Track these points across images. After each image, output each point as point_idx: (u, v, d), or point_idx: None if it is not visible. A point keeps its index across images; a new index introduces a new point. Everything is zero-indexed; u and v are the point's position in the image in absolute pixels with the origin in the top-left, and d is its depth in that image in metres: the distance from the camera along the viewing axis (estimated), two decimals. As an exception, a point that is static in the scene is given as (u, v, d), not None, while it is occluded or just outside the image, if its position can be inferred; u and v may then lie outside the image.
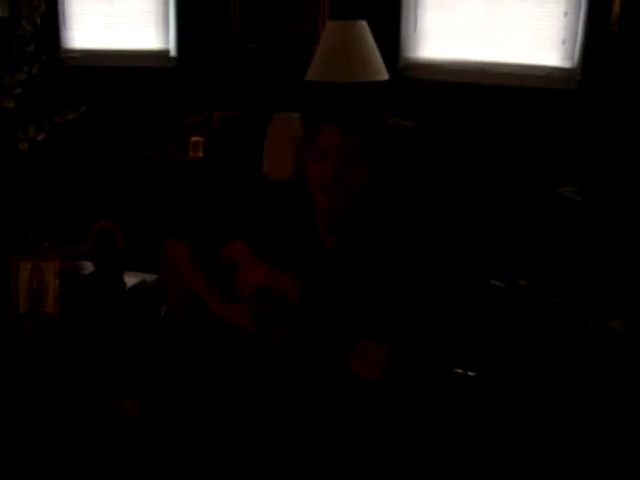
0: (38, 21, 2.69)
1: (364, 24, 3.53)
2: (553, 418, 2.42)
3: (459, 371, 1.73)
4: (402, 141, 2.42)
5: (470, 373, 1.75)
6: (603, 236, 3.17)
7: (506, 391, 2.45)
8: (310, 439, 1.73)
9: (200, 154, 4.14)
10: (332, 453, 1.72)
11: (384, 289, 1.80)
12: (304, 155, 1.84)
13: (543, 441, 2.33)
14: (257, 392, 1.78)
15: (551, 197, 3.42)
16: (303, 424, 1.75)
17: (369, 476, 1.72)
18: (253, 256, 1.81)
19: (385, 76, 3.56)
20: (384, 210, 1.95)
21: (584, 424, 2.39)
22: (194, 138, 4.17)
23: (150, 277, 2.72)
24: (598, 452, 2.30)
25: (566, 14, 3.59)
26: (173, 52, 4.49)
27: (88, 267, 2.74)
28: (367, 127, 1.78)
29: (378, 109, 1.87)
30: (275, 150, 3.43)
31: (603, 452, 2.30)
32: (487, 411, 2.31)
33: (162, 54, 4.52)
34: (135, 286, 2.69)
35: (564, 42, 3.64)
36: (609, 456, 2.29)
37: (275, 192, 2.00)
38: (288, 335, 1.73)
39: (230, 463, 1.73)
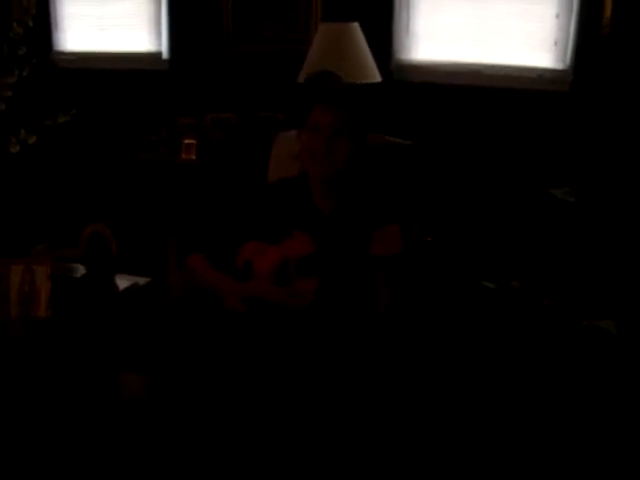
0: (30, 23, 2.69)
1: (356, 26, 3.53)
2: (546, 419, 2.42)
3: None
4: (398, 159, 2.57)
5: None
6: (596, 237, 3.18)
7: (499, 392, 2.46)
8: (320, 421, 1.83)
9: (193, 156, 4.13)
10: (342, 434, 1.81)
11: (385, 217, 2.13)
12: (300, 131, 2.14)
13: (537, 442, 2.33)
14: (265, 371, 1.93)
15: (543, 198, 3.42)
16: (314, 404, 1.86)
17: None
18: (265, 246, 2.07)
19: (377, 78, 3.56)
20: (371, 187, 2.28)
21: (577, 425, 2.40)
22: (187, 140, 4.16)
23: (142, 280, 2.72)
24: (592, 453, 2.30)
25: (558, 16, 3.60)
26: (165, 54, 4.48)
27: (80, 270, 2.73)
28: (351, 106, 2.10)
29: (360, 93, 2.22)
30: (280, 168, 3.47)
31: (596, 453, 2.30)
32: (481, 413, 2.32)
33: (154, 57, 4.51)
34: (127, 289, 2.69)
35: (556, 43, 3.64)
36: (603, 457, 2.29)
37: (274, 187, 2.33)
38: (314, 291, 1.99)
39: (235, 441, 1.78)
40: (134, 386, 2.13)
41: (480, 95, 3.79)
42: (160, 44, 4.49)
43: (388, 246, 2.03)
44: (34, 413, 2.25)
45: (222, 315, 2.06)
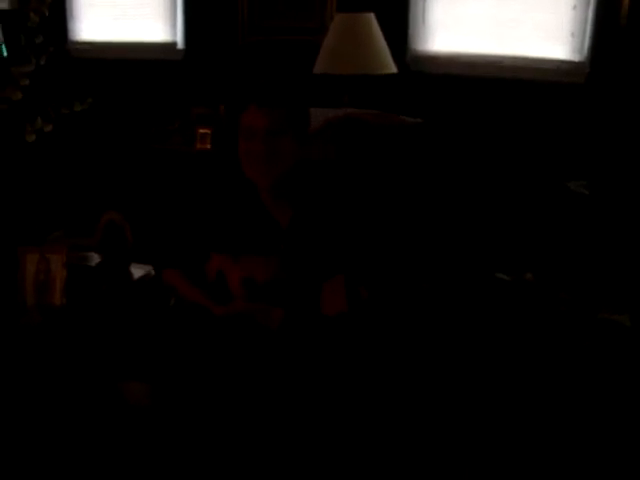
0: (46, 13, 2.70)
1: (372, 16, 3.52)
2: (560, 412, 2.41)
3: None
4: (408, 137, 2.44)
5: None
6: (610, 230, 3.16)
7: (512, 384, 2.45)
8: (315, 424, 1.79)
9: (208, 146, 4.14)
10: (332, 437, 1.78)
11: (343, 235, 2.00)
12: (321, 150, 2.11)
13: (549, 435, 2.33)
14: (259, 377, 1.86)
15: (558, 191, 3.41)
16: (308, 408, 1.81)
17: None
18: (228, 259, 1.99)
19: (393, 69, 3.55)
20: (343, 183, 2.14)
21: (591, 419, 2.39)
22: (201, 130, 4.17)
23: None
24: (605, 446, 2.29)
25: (575, 7, 3.57)
26: (180, 44, 4.48)
27: (95, 259, 2.74)
28: (286, 103, 1.97)
29: (295, 86, 2.08)
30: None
31: (610, 446, 2.29)
32: (493, 406, 2.31)
33: (169, 46, 4.51)
34: (142, 278, 2.70)
35: (573, 35, 3.62)
36: (616, 450, 2.28)
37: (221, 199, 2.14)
38: (281, 317, 1.91)
39: (235, 446, 1.77)
40: (138, 394, 2.14)
41: (496, 86, 3.77)
42: (175, 34, 4.49)
43: (334, 305, 1.87)
44: (43, 402, 2.27)
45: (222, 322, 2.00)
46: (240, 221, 2.05)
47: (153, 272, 2.70)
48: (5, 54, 3.74)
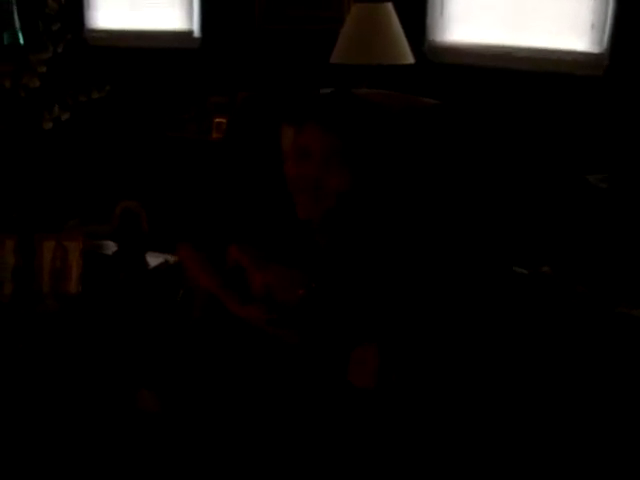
0: (63, 0, 2.69)
1: (390, 6, 3.49)
2: (577, 407, 2.40)
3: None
4: (425, 120, 2.35)
5: None
6: (629, 224, 3.14)
7: (529, 380, 2.44)
8: (311, 437, 1.72)
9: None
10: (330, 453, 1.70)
11: (381, 281, 1.75)
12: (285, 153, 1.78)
13: (567, 430, 2.32)
14: (266, 387, 1.78)
15: (577, 184, 3.38)
16: (306, 422, 1.74)
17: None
18: (251, 258, 1.78)
19: (411, 59, 3.53)
20: (383, 204, 1.87)
21: (607, 413, 2.38)
22: (218, 119, 4.16)
23: (172, 258, 2.72)
24: (621, 441, 2.28)
25: (595, -2, 3.54)
26: (197, 33, 4.47)
27: (111, 247, 2.75)
28: (349, 130, 1.69)
29: (364, 111, 1.76)
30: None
31: (626, 441, 2.28)
32: (506, 402, 2.30)
33: (186, 35, 4.50)
34: (158, 266, 2.70)
35: (593, 27, 3.58)
36: (634, 446, 2.27)
37: (264, 193, 1.92)
38: (299, 338, 1.74)
39: (240, 454, 1.74)
40: (148, 400, 2.13)
41: (514, 78, 3.74)
42: (192, 22, 4.48)
43: (362, 378, 1.67)
44: (57, 392, 2.27)
45: (234, 329, 1.93)
46: (273, 233, 1.84)
47: (170, 260, 2.70)
48: (22, 42, 3.75)
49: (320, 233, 1.80)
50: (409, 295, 1.75)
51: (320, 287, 1.73)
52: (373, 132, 1.75)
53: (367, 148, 1.73)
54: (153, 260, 2.72)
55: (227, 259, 1.86)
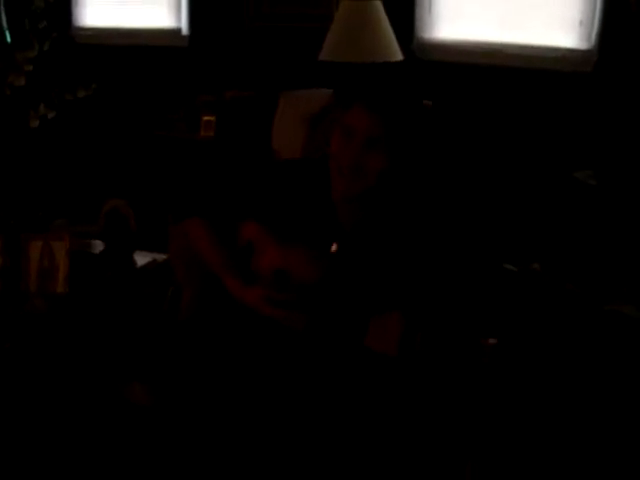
0: (50, -2, 2.68)
1: (378, 3, 3.49)
2: (566, 405, 2.40)
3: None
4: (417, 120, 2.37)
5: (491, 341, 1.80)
6: (617, 221, 3.15)
7: (519, 378, 2.44)
8: (318, 426, 1.73)
9: (212, 133, 4.12)
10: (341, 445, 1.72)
11: (400, 264, 1.82)
12: (329, 132, 1.85)
13: (556, 429, 2.32)
14: (265, 378, 1.79)
15: (565, 181, 3.39)
16: (311, 411, 1.75)
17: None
18: (268, 237, 1.82)
19: (399, 57, 3.53)
20: (400, 193, 1.93)
21: (597, 411, 2.38)
22: (206, 117, 4.15)
23: (160, 257, 2.71)
24: (610, 439, 2.28)
25: (584, -6, 3.54)
26: (185, 31, 4.45)
27: (98, 246, 2.74)
28: (394, 115, 1.77)
29: (410, 97, 1.88)
30: (285, 129, 3.42)
31: (615, 439, 2.29)
32: (498, 400, 2.30)
33: (174, 33, 4.48)
34: (145, 266, 2.69)
35: (581, 23, 3.58)
36: (621, 443, 2.28)
37: (288, 170, 1.98)
38: (305, 321, 1.75)
39: (237, 449, 1.74)
40: (140, 393, 2.12)
41: (502, 75, 3.75)
42: (180, 20, 4.46)
43: (383, 343, 1.70)
44: (46, 391, 2.27)
45: (228, 321, 1.92)
46: (296, 213, 1.88)
47: (158, 259, 2.69)
48: (9, 40, 3.72)
49: (348, 212, 1.86)
50: (428, 272, 1.84)
51: (340, 267, 1.78)
52: (412, 119, 1.85)
53: (405, 133, 1.82)
54: (141, 259, 2.71)
55: (239, 237, 1.87)
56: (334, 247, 1.80)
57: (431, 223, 1.93)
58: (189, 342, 1.95)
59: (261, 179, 1.95)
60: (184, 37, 4.46)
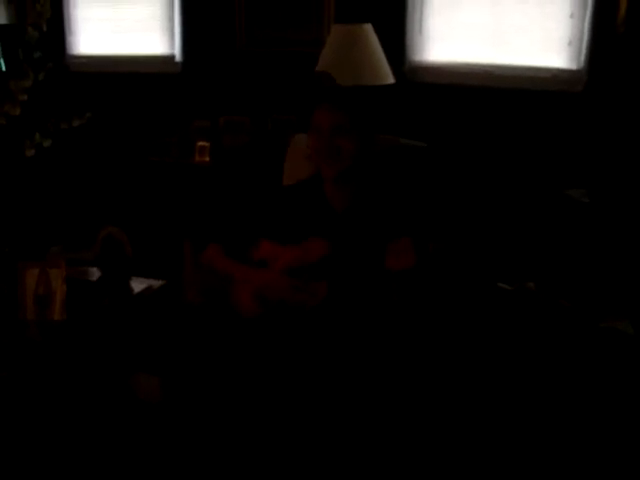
0: (44, 28, 2.69)
1: (369, 27, 3.53)
2: (562, 421, 2.40)
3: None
4: (412, 161, 2.60)
5: None
6: (611, 238, 3.16)
7: (514, 394, 2.44)
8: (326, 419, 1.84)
9: (206, 158, 4.14)
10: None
11: (399, 222, 2.17)
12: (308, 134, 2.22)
13: (550, 444, 2.32)
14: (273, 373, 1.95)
15: (558, 199, 3.41)
16: (318, 405, 1.87)
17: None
18: (279, 248, 2.13)
19: (391, 79, 3.55)
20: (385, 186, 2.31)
21: (593, 426, 2.38)
22: (200, 143, 4.17)
23: (156, 283, 2.72)
24: (607, 454, 2.28)
25: (572, 15, 3.58)
26: (178, 57, 4.49)
27: (95, 273, 2.74)
28: (351, 104, 2.18)
29: (362, 92, 2.37)
30: (296, 167, 3.48)
31: (612, 454, 2.29)
32: (494, 415, 2.31)
33: (167, 59, 4.52)
34: (142, 292, 2.69)
35: (570, 44, 3.62)
36: (618, 457, 2.28)
37: (289, 191, 2.39)
38: (324, 292, 2.05)
39: (245, 442, 1.83)
40: (149, 388, 2.14)
41: (494, 96, 3.78)
42: (173, 47, 4.50)
43: (401, 261, 2.01)
44: (47, 415, 2.26)
45: (235, 319, 2.07)
46: (291, 209, 2.26)
47: (154, 286, 2.69)
48: (3, 69, 3.74)
49: (339, 197, 2.24)
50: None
51: (339, 246, 2.10)
52: (366, 106, 2.25)
53: (366, 118, 2.22)
54: (137, 285, 2.71)
55: (253, 254, 2.18)
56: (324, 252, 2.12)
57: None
58: (199, 336, 2.07)
59: (267, 202, 2.32)
60: (177, 63, 4.49)
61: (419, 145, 2.76)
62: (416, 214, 2.24)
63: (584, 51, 3.58)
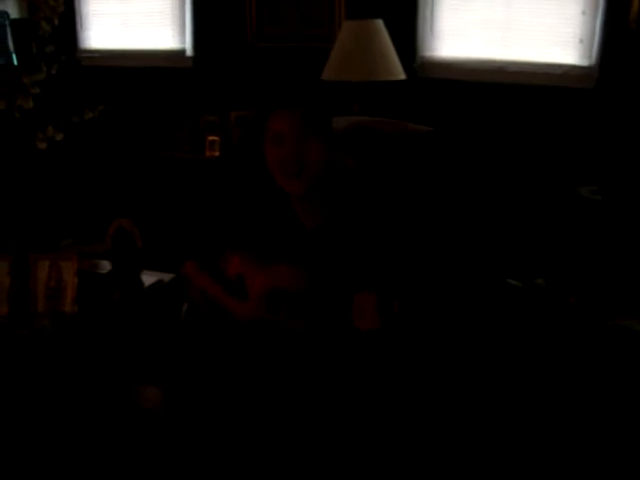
0: (56, 22, 2.71)
1: (380, 23, 3.53)
2: (569, 419, 2.40)
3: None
4: (419, 146, 2.44)
5: None
6: (622, 236, 3.15)
7: (521, 391, 2.45)
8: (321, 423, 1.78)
9: (216, 153, 4.15)
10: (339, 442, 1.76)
11: (370, 249, 1.89)
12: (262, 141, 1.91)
13: (560, 443, 2.32)
14: (270, 380, 1.85)
15: (570, 196, 3.40)
16: (314, 410, 1.80)
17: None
18: (252, 265, 1.87)
19: (402, 76, 3.56)
20: (372, 191, 1.98)
21: (601, 425, 2.38)
22: (210, 137, 4.18)
23: (167, 276, 2.72)
24: (614, 452, 2.28)
25: (584, 13, 3.57)
26: (189, 52, 4.50)
27: (106, 266, 2.74)
28: (310, 104, 1.87)
29: (319, 87, 2.04)
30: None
31: (619, 452, 2.29)
32: (500, 413, 2.31)
33: (178, 54, 4.53)
34: (153, 285, 2.69)
35: (581, 41, 3.62)
36: (625, 455, 2.28)
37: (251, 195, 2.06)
38: (305, 325, 1.85)
39: (244, 452, 1.77)
40: (151, 398, 2.13)
41: (505, 92, 3.77)
42: (184, 41, 4.51)
43: (367, 320, 1.78)
44: (52, 410, 2.27)
45: (235, 327, 1.99)
46: (260, 225, 1.98)
47: (165, 279, 2.70)
48: (16, 63, 3.76)
49: (310, 214, 1.94)
50: (400, 261, 1.89)
51: (312, 268, 1.84)
52: (329, 103, 1.95)
53: (329, 119, 1.92)
54: (148, 279, 2.71)
55: (228, 270, 1.93)
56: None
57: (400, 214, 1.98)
58: (204, 345, 1.99)
59: (237, 213, 2.03)
60: (188, 58, 4.50)
61: (426, 130, 2.65)
62: (398, 227, 1.93)
63: (596, 48, 3.58)
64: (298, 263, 1.84)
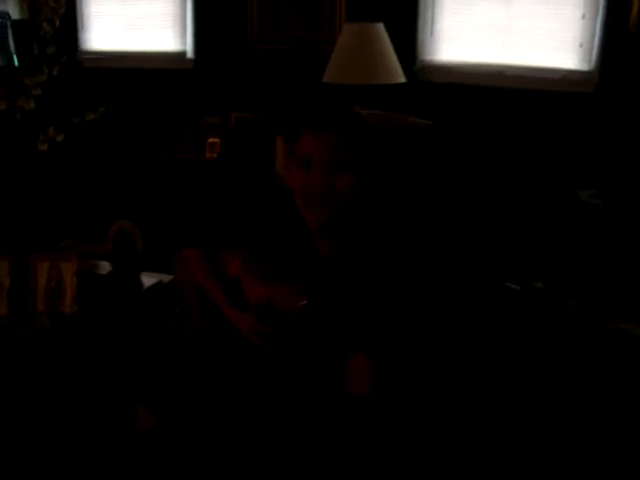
0: (57, 23, 2.71)
1: (381, 26, 3.53)
2: (567, 422, 2.41)
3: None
4: (416, 140, 2.40)
5: None
6: (621, 239, 3.16)
7: (521, 395, 2.45)
8: (308, 443, 1.72)
9: (217, 155, 4.16)
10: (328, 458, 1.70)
11: (380, 294, 1.75)
12: (287, 164, 1.82)
13: (559, 446, 2.33)
14: (261, 398, 1.78)
15: (569, 200, 3.41)
16: (302, 429, 1.74)
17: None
18: (252, 275, 1.79)
19: (402, 79, 3.56)
20: (383, 215, 1.88)
21: (599, 428, 2.38)
22: (211, 139, 4.19)
23: (167, 277, 2.73)
24: (614, 456, 2.29)
25: (584, 16, 3.58)
26: (190, 54, 4.51)
27: (106, 267, 2.75)
28: (345, 129, 1.70)
29: (353, 110, 1.81)
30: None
31: (618, 455, 2.29)
32: (499, 417, 2.31)
33: (179, 56, 4.54)
34: (152, 286, 2.70)
35: (581, 45, 3.62)
36: (623, 458, 2.28)
37: (272, 196, 1.95)
38: (292, 350, 1.76)
39: (237, 469, 1.73)
40: (146, 419, 2.13)
41: (505, 96, 3.78)
42: (185, 43, 4.52)
43: (357, 386, 1.66)
44: (51, 411, 2.27)
45: (234, 346, 1.93)
46: (273, 238, 1.85)
47: (164, 280, 2.70)
48: (17, 64, 3.77)
49: (325, 241, 1.79)
50: (404, 308, 1.75)
51: (318, 298, 1.71)
52: (366, 129, 1.77)
53: (365, 144, 1.74)
54: (147, 280, 2.73)
55: (228, 269, 1.88)
56: (302, 302, 1.74)
57: (413, 247, 1.84)
58: (194, 363, 1.96)
59: (251, 204, 1.95)
60: (189, 60, 4.51)
61: (424, 123, 2.61)
62: (405, 260, 1.78)
63: (595, 52, 3.58)
64: (302, 289, 1.72)
